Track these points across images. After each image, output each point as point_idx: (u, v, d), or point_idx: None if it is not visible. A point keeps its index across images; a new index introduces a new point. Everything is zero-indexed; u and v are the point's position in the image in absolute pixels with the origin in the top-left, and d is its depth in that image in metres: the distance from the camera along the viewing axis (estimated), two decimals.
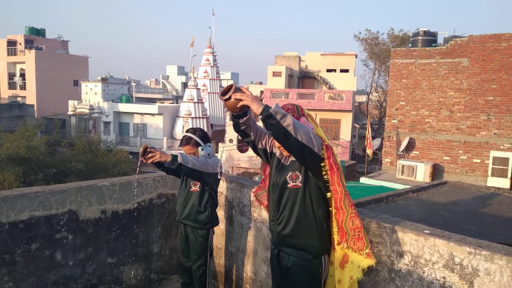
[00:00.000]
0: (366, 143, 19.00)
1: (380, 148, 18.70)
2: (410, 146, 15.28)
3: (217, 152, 27.86)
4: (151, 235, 3.72)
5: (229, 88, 2.18)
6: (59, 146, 21.99)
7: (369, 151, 18.79)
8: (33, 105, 31.23)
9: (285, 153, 2.46)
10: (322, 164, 2.27)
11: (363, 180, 15.01)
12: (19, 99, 38.71)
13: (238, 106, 2.17)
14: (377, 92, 36.04)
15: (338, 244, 2.32)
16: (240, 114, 2.31)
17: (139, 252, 3.64)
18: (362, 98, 40.03)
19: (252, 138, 2.55)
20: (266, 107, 2.11)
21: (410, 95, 15.17)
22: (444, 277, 2.19)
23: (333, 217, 2.33)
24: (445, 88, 14.40)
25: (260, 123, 2.44)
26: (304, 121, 2.43)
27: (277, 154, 2.54)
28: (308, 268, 2.39)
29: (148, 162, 2.80)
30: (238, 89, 2.18)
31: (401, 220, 2.51)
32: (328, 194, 2.31)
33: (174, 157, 2.84)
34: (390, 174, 15.40)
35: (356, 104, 35.16)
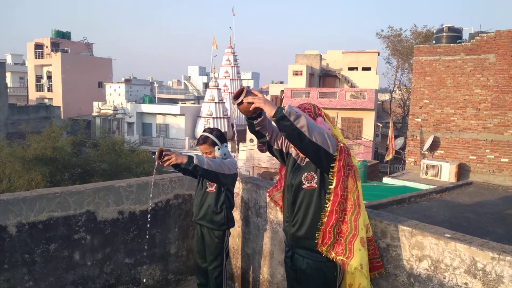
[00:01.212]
0: (388, 144, 18.64)
1: (403, 147, 18.32)
2: (435, 145, 14.90)
3: (238, 152, 27.95)
4: (168, 235, 3.73)
5: (240, 91, 2.16)
6: (84, 146, 22.48)
7: (388, 157, 18.40)
8: (59, 107, 32.07)
9: (301, 153, 2.42)
10: (331, 165, 2.22)
11: (386, 180, 14.75)
12: (46, 101, 39.84)
13: (250, 109, 2.15)
14: (400, 90, 35.37)
15: (318, 247, 2.26)
16: (254, 115, 2.29)
17: (156, 253, 3.66)
18: (385, 97, 39.39)
19: (268, 138, 2.52)
20: (279, 109, 2.08)
21: (434, 93, 14.80)
22: (466, 283, 2.10)
23: (323, 219, 2.26)
24: (471, 86, 13.98)
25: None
26: (321, 121, 2.38)
27: (293, 154, 2.50)
28: (322, 271, 2.34)
29: (165, 165, 2.81)
30: (249, 92, 2.16)
31: (420, 223, 2.42)
32: (327, 196, 2.26)
33: (190, 158, 2.83)
34: (413, 174, 15.08)
35: (379, 102, 34.66)
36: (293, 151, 2.51)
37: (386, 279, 2.47)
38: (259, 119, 2.34)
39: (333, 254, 2.24)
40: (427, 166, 14.29)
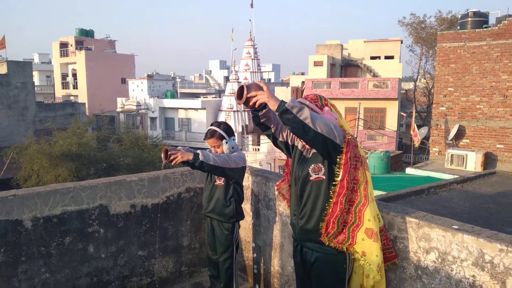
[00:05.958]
0: (411, 133, 18.25)
1: (427, 137, 17.89)
2: (460, 134, 14.49)
3: (259, 144, 27.94)
4: (181, 228, 3.78)
5: (241, 90, 2.15)
6: (108, 141, 22.95)
7: (415, 141, 18.01)
8: (84, 103, 32.77)
9: (309, 145, 2.40)
10: (338, 157, 2.19)
11: (409, 170, 14.45)
12: (71, 98, 40.87)
13: (256, 105, 2.16)
14: (424, 79, 34.46)
15: (321, 237, 2.27)
16: (259, 108, 2.29)
17: (169, 245, 3.71)
18: (409, 85, 38.49)
19: (273, 130, 2.51)
20: (282, 103, 2.07)
21: (459, 80, 14.36)
22: (473, 276, 2.04)
23: (328, 210, 2.25)
24: (498, 72, 13.49)
25: None
26: (328, 111, 2.36)
27: (299, 146, 2.48)
28: (333, 264, 2.33)
29: (172, 163, 2.85)
30: (250, 87, 2.15)
31: (428, 215, 2.37)
32: (333, 188, 2.23)
33: (196, 155, 2.85)
34: (438, 164, 14.72)
35: (402, 91, 33.89)
36: (299, 143, 2.50)
37: (394, 271, 2.43)
38: (264, 111, 2.33)
39: (335, 243, 2.25)
40: (452, 155, 13.92)
